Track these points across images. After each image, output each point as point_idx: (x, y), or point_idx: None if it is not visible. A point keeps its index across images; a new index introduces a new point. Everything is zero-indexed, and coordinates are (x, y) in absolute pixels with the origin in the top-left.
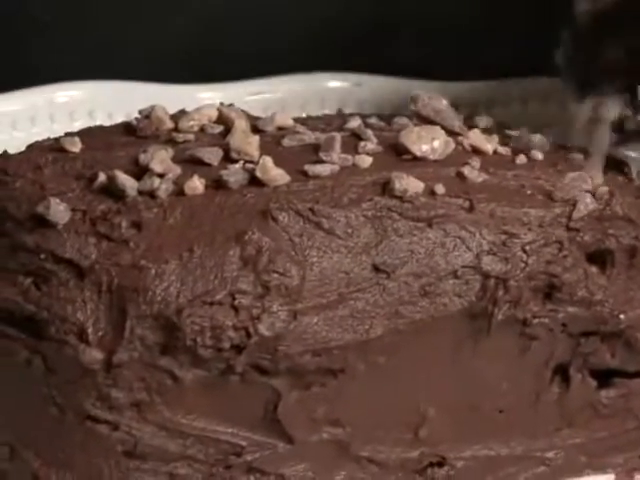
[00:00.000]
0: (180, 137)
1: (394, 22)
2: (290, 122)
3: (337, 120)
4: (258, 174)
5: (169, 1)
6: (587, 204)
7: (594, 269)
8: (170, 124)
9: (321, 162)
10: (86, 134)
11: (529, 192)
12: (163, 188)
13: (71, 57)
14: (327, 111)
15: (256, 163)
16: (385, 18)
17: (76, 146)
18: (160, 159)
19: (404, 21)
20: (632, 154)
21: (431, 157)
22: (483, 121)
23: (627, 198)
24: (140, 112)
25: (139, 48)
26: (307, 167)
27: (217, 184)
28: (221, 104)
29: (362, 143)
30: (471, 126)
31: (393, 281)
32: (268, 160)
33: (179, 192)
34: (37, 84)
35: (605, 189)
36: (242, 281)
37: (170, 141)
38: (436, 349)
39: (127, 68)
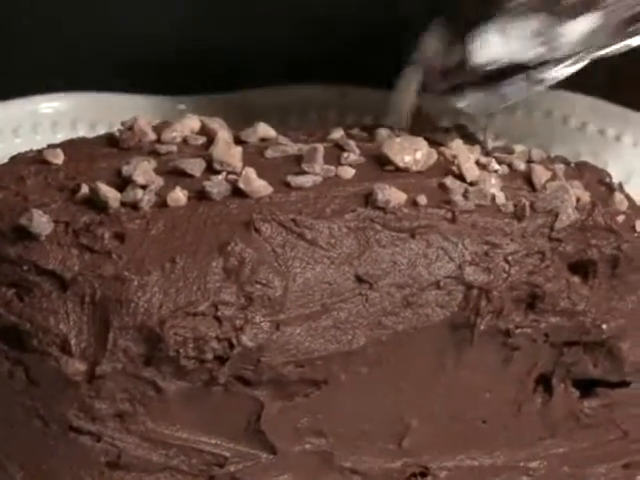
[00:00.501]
0: (163, 148)
1: (378, 33)
2: (273, 133)
3: (319, 131)
4: (241, 185)
5: (149, 11)
6: (569, 214)
7: (576, 279)
8: (153, 135)
9: (304, 173)
10: (69, 146)
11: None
12: (146, 199)
13: (52, 68)
14: (310, 122)
15: (239, 174)
16: (370, 29)
17: (59, 158)
18: (142, 170)
19: (388, 33)
20: (461, 104)
21: (414, 168)
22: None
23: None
24: (122, 124)
25: (121, 59)
26: (290, 178)
27: (200, 195)
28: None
29: (345, 154)
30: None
31: (376, 292)
32: (251, 171)
33: (162, 204)
34: (19, 96)
35: (587, 199)
36: (225, 292)
37: (153, 152)
38: (419, 360)
39: (109, 79)
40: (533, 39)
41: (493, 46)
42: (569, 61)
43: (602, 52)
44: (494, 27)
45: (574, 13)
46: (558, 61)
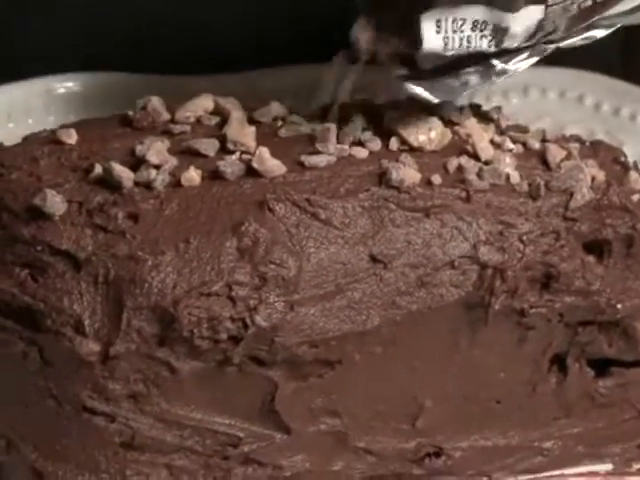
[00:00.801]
0: (176, 128)
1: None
2: (286, 112)
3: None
4: (255, 165)
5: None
6: (584, 194)
7: (591, 259)
8: (166, 115)
9: (317, 153)
10: (82, 126)
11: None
12: (159, 179)
13: (64, 49)
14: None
15: (253, 154)
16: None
17: (72, 138)
18: (156, 150)
19: None
20: (417, 90)
21: (428, 147)
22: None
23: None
24: (136, 103)
25: (132, 39)
26: (304, 158)
27: (214, 175)
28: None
29: (358, 133)
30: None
31: (390, 271)
32: (265, 151)
33: (175, 183)
34: (31, 76)
35: (602, 179)
36: (239, 272)
37: (166, 132)
38: (433, 339)
39: (120, 59)
40: (477, 30)
41: (435, 35)
42: (527, 52)
43: (562, 44)
44: (435, 16)
45: (515, 5)
46: (517, 51)
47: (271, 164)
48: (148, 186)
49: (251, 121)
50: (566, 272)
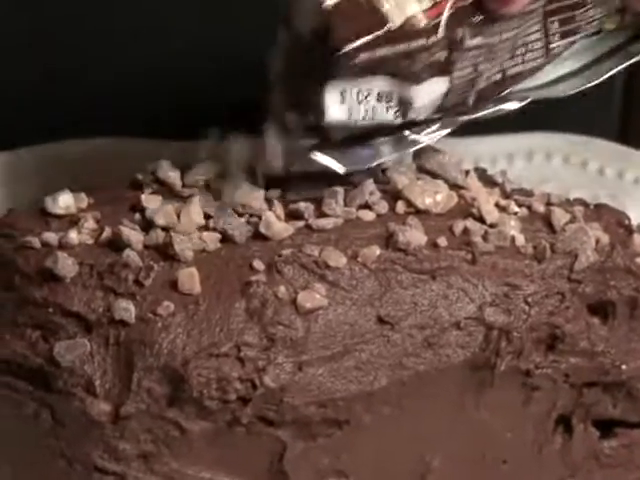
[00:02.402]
0: (186, 192)
1: None
2: None
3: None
4: (262, 230)
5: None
6: (588, 256)
7: (596, 320)
8: (176, 179)
9: (325, 215)
10: (92, 189)
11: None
12: (169, 242)
13: (72, 114)
14: None
15: (260, 217)
16: None
17: (83, 202)
18: (165, 213)
19: None
20: (325, 160)
21: (434, 210)
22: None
23: None
24: (146, 168)
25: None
26: (311, 220)
27: (223, 238)
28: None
29: (365, 196)
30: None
31: (397, 333)
32: (271, 215)
33: None
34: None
35: (606, 241)
36: (248, 333)
37: (176, 196)
38: (440, 400)
39: (127, 126)
40: (382, 101)
41: (340, 105)
42: (438, 124)
43: (473, 116)
44: (339, 87)
45: (419, 78)
46: (428, 123)
47: (278, 227)
48: (157, 248)
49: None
50: (571, 333)
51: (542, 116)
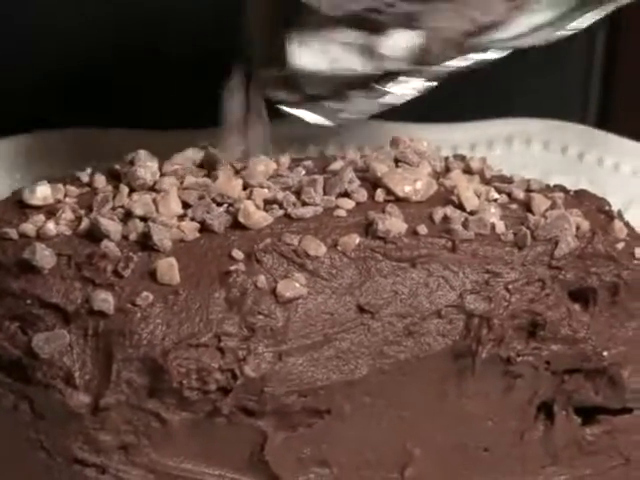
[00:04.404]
0: (164, 181)
1: None
2: (273, 165)
3: (319, 162)
4: (241, 219)
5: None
6: (569, 242)
7: (577, 307)
8: (154, 168)
9: (304, 204)
10: (69, 179)
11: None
12: (147, 232)
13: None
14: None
15: (239, 207)
16: None
17: (60, 192)
18: (143, 203)
19: None
20: (295, 112)
21: (414, 198)
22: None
23: None
24: (124, 158)
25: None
26: (290, 209)
27: (201, 227)
28: (204, 147)
29: (345, 185)
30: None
31: (377, 321)
32: (249, 204)
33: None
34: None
35: (587, 227)
36: (227, 323)
37: (154, 185)
38: (422, 388)
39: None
40: (354, 51)
41: (311, 52)
42: (413, 76)
43: (449, 67)
44: (303, 36)
45: (387, 28)
46: (401, 75)
47: (257, 216)
48: (136, 239)
49: (238, 173)
50: (552, 320)
51: (521, 102)
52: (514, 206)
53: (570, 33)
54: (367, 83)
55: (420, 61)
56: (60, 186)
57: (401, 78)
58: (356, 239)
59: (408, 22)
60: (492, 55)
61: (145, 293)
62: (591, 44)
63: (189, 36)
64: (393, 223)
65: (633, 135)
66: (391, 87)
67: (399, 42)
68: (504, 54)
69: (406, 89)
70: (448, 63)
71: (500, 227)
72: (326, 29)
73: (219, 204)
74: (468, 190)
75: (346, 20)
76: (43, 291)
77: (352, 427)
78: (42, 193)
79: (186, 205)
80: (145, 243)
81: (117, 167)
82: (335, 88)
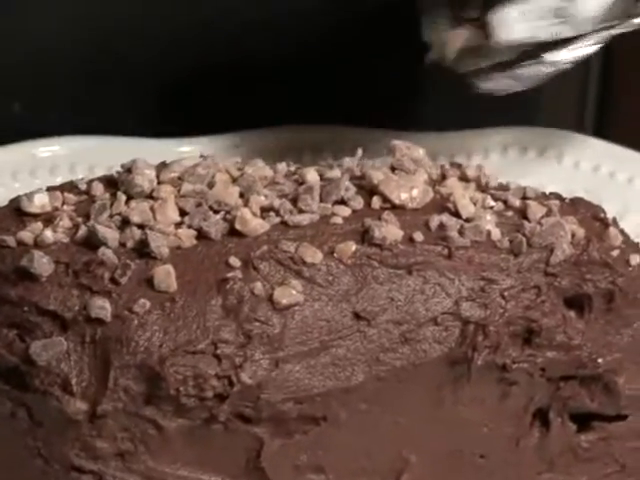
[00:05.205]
0: (162, 189)
1: None
2: (270, 173)
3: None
4: (238, 226)
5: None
6: (564, 250)
7: (572, 314)
8: (152, 177)
9: (301, 211)
10: (68, 188)
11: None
12: (144, 239)
13: (51, 113)
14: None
15: (236, 214)
16: None
17: (58, 200)
18: (140, 211)
19: None
20: (484, 85)
21: (410, 205)
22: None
23: None
24: (122, 166)
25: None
26: (287, 217)
27: (199, 235)
28: (201, 156)
29: (341, 192)
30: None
31: (373, 328)
32: (246, 212)
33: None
34: (18, 140)
35: (582, 235)
36: (224, 330)
37: (152, 193)
38: (417, 395)
39: (107, 123)
40: (551, 17)
41: (515, 24)
42: (582, 42)
43: (615, 31)
44: (513, 5)
45: None
46: (571, 42)
47: (254, 224)
48: (133, 246)
49: (235, 180)
50: (547, 327)
51: (517, 110)
52: (510, 213)
53: None
54: (539, 51)
55: (607, 22)
56: (58, 194)
57: (578, 41)
58: (352, 246)
59: None
60: None
61: (142, 300)
62: None
63: None
64: (389, 230)
65: (629, 143)
66: (559, 54)
67: (591, 3)
68: None
69: (571, 55)
70: (623, 25)
71: (496, 234)
72: None
73: (216, 211)
74: (464, 197)
75: None
76: (41, 298)
77: (348, 434)
78: (40, 201)
79: (183, 212)
80: (142, 250)
81: (114, 175)
82: (526, 52)
